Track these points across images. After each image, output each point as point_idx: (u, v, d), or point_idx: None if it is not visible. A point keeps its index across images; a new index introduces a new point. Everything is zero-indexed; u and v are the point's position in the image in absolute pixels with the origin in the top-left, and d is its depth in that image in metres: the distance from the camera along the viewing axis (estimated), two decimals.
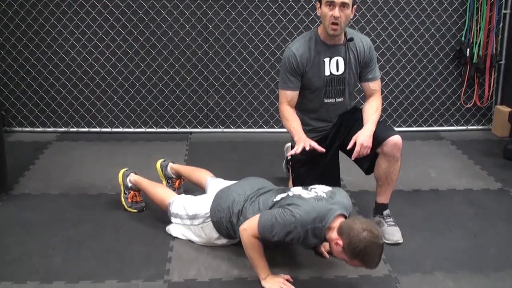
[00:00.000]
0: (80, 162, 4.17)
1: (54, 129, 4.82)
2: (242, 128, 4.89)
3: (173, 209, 3.10)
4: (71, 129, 4.83)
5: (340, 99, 3.20)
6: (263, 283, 2.68)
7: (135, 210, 3.39)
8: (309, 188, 2.79)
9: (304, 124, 3.23)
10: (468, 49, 4.74)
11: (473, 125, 5.03)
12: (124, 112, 4.82)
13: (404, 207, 3.49)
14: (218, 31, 4.65)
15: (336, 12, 2.90)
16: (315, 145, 2.95)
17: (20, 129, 4.81)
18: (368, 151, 2.97)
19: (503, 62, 4.87)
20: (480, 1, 4.66)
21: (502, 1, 4.71)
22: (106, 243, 3.06)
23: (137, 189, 3.39)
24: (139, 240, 3.09)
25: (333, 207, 2.62)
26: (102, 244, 3.05)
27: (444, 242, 3.12)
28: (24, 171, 3.97)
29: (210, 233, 2.97)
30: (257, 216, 2.66)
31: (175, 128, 4.87)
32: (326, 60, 3.09)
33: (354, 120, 3.19)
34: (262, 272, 2.69)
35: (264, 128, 4.89)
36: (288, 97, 3.16)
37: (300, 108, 3.25)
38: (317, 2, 3.04)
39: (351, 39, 3.08)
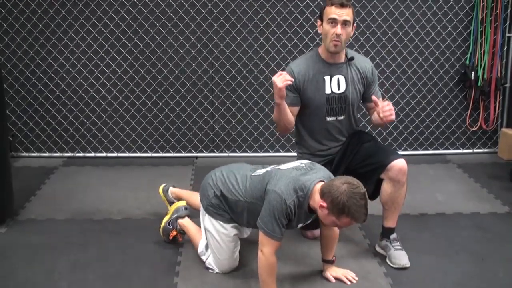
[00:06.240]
0: (86, 187, 4.18)
1: (61, 154, 4.84)
2: (247, 152, 4.90)
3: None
4: (78, 154, 4.84)
5: (341, 117, 3.21)
6: None
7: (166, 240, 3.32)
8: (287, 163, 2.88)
9: (308, 148, 3.25)
10: (472, 72, 4.75)
11: (479, 148, 5.02)
12: (130, 137, 4.84)
13: (411, 231, 3.46)
14: (224, 56, 4.68)
15: (338, 29, 2.96)
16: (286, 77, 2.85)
17: (26, 154, 4.83)
18: (393, 115, 2.93)
19: (508, 85, 4.88)
20: (484, 25, 4.69)
21: (506, 24, 4.73)
22: (112, 268, 3.05)
23: (183, 232, 3.30)
24: (145, 265, 3.08)
25: (313, 175, 2.68)
26: (108, 268, 3.04)
27: (452, 266, 3.09)
28: (31, 196, 3.98)
29: (214, 226, 2.94)
30: (260, 233, 2.66)
31: (181, 152, 4.88)
32: (327, 78, 3.12)
33: (361, 144, 3.18)
34: None
35: (269, 152, 4.90)
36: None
37: (304, 129, 3.26)
38: (318, 20, 3.09)
39: (352, 58, 3.13)
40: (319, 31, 3.09)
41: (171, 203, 3.54)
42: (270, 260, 2.64)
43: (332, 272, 2.94)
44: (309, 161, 2.87)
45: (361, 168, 3.12)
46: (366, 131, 3.27)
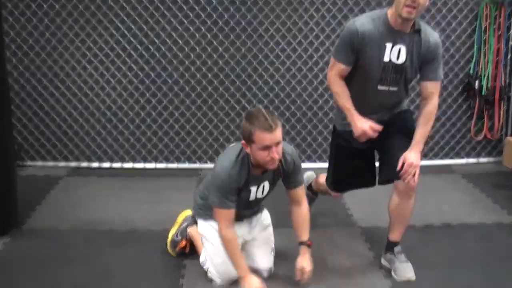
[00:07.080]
0: (90, 198, 4.18)
1: (66, 163, 4.84)
2: None
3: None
4: (82, 164, 4.85)
5: (394, 88, 3.00)
6: (241, 282, 2.80)
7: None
8: None
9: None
10: (476, 82, 4.76)
11: (484, 157, 5.01)
12: (134, 147, 4.84)
13: (416, 243, 3.44)
14: (229, 67, 4.69)
15: None
16: (375, 126, 2.93)
17: (32, 163, 4.84)
18: (417, 170, 2.89)
19: None
20: (487, 34, 4.69)
21: (510, 33, 4.74)
22: (115, 280, 3.04)
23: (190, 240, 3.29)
24: (148, 277, 3.07)
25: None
26: (111, 281, 3.03)
27: (458, 278, 3.07)
28: (36, 206, 3.98)
29: (206, 227, 3.04)
30: (214, 209, 2.84)
31: (186, 163, 4.89)
32: (388, 45, 2.88)
33: (395, 135, 3.05)
34: (239, 270, 2.81)
35: None
36: (340, 69, 2.98)
37: (352, 92, 3.04)
38: None
39: (418, 30, 2.91)
40: None
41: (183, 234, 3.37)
42: (226, 233, 2.80)
43: (303, 261, 2.93)
44: None
45: (383, 156, 3.10)
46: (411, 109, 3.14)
